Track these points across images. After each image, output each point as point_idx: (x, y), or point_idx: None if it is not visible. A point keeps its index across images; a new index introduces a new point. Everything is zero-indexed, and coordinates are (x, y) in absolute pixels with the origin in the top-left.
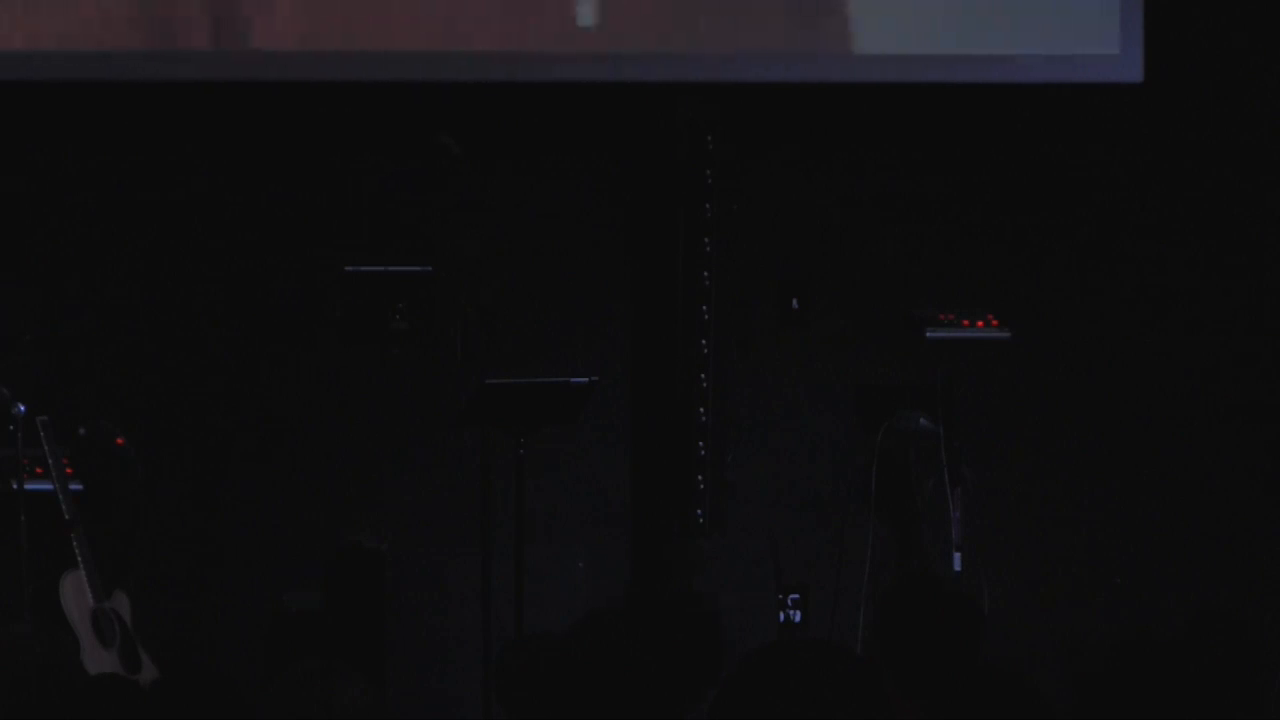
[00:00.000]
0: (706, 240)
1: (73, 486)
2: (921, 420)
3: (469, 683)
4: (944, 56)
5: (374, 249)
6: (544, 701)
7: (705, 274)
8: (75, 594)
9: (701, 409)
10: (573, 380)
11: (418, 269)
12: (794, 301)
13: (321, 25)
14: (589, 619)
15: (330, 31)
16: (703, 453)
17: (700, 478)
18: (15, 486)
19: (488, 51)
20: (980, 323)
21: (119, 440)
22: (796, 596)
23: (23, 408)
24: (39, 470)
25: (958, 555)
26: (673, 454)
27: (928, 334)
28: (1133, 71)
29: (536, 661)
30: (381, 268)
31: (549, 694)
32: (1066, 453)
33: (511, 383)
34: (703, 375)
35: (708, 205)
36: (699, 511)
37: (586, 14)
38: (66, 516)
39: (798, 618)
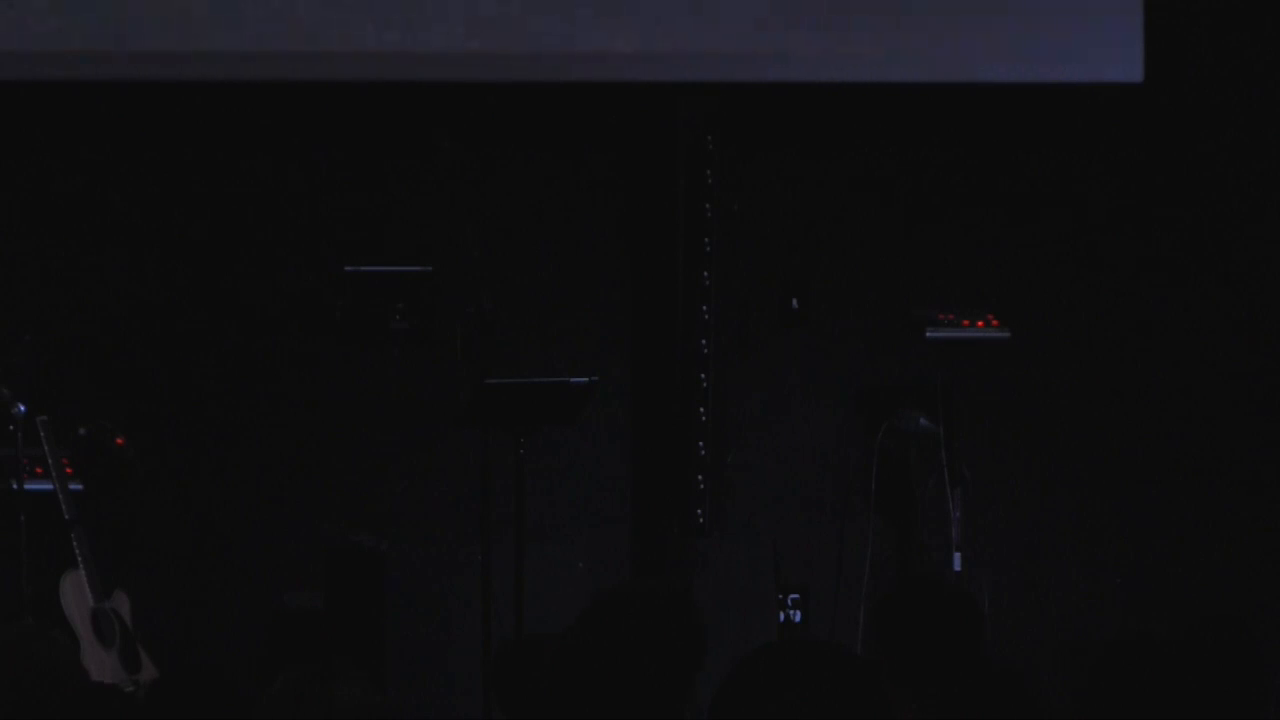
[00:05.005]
0: (706, 240)
1: (73, 486)
2: (921, 420)
3: (469, 683)
4: (943, 56)
5: (374, 249)
6: (541, 702)
7: (705, 274)
8: (75, 594)
9: (701, 409)
10: (572, 380)
11: (418, 269)
12: (794, 301)
13: (322, 24)
14: (584, 617)
15: (331, 30)
16: (703, 453)
17: (700, 478)
18: (15, 486)
19: (488, 51)
20: (980, 323)
21: (119, 440)
22: (796, 596)
23: (23, 408)
24: (39, 470)
25: (958, 555)
26: (673, 454)
27: (928, 334)
28: (1133, 71)
29: (534, 662)
30: (381, 268)
31: (546, 695)
32: (1066, 452)
33: (511, 383)
34: (703, 375)
35: (708, 205)
36: (699, 511)
37: (587, 13)
38: (66, 516)
39: (798, 618)
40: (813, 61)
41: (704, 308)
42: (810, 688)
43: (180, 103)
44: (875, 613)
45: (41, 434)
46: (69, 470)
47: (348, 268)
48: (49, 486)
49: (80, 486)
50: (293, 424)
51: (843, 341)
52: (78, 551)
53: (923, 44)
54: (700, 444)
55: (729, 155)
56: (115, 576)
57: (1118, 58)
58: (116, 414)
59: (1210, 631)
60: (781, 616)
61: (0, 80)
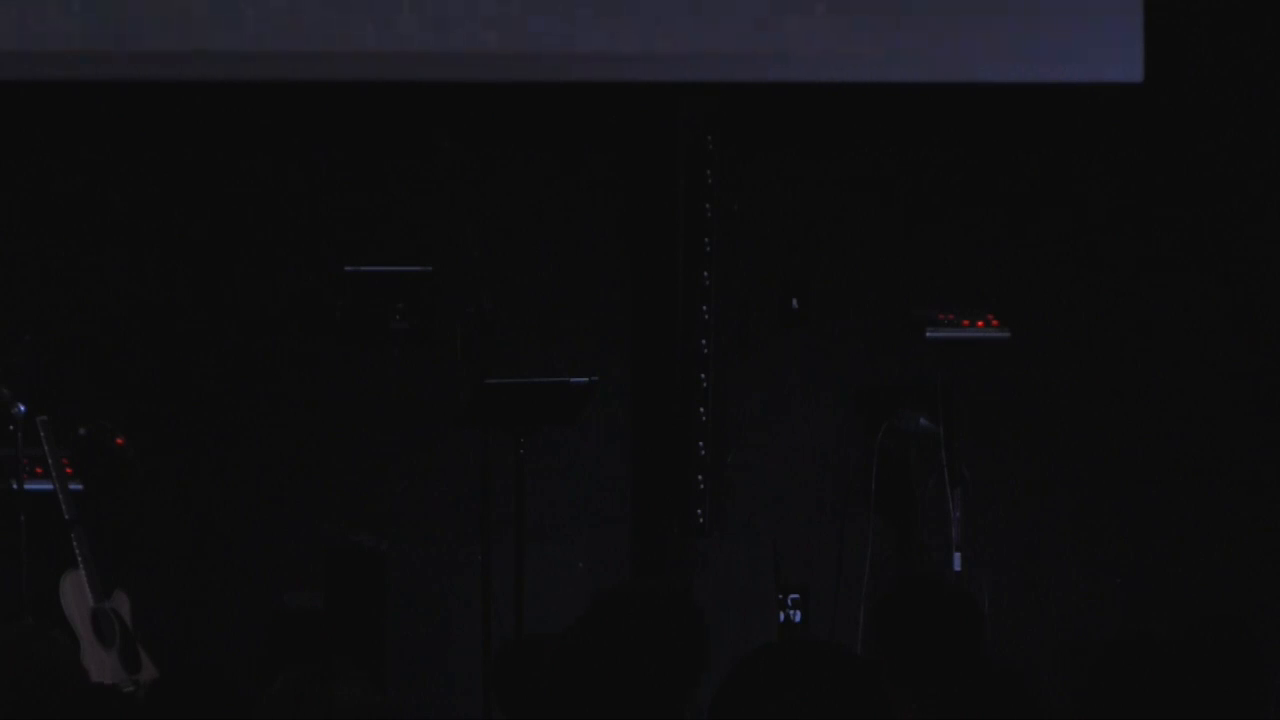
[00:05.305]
0: (706, 240)
1: (73, 486)
2: (921, 420)
3: (469, 683)
4: (943, 56)
5: (374, 249)
6: (541, 702)
7: (705, 274)
8: (75, 594)
9: (701, 409)
10: (572, 380)
11: (418, 269)
12: (794, 301)
13: (322, 24)
14: (585, 617)
15: (331, 30)
16: (703, 453)
17: (700, 478)
18: (15, 486)
19: (488, 51)
20: (980, 323)
21: (119, 440)
22: (796, 596)
23: (23, 408)
24: (39, 470)
25: (958, 555)
26: (673, 454)
27: (928, 334)
28: (1133, 71)
29: (534, 662)
30: (381, 268)
31: (546, 695)
32: (1066, 452)
33: (511, 383)
34: (703, 375)
35: (708, 205)
36: (699, 511)
37: (587, 13)
38: (66, 516)
39: (798, 618)
40: (813, 61)
41: (704, 308)
42: (810, 688)
43: (180, 103)
44: (875, 613)
45: (41, 434)
46: (69, 470)
47: (348, 268)
48: (49, 486)
49: (80, 486)
50: (293, 424)
51: (843, 341)
52: (78, 551)
53: (923, 44)
54: (700, 444)
55: (729, 155)
56: (115, 576)
57: (1118, 58)
58: (116, 414)
59: (1210, 631)
60: (781, 616)
61: (0, 80)
